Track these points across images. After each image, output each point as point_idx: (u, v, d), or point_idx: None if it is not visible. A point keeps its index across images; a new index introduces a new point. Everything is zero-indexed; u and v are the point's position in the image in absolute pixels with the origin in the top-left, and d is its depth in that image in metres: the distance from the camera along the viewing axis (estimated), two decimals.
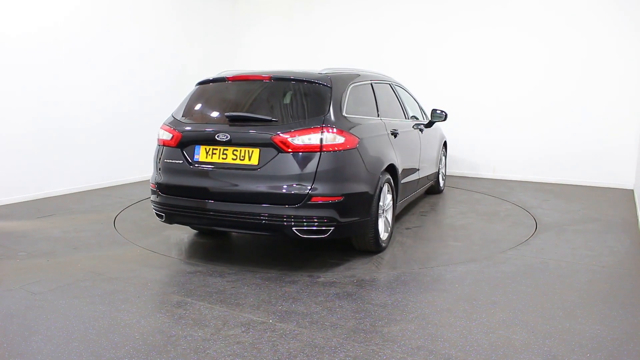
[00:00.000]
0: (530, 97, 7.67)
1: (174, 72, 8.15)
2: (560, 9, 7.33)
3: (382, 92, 4.93)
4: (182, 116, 4.13)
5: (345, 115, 3.85)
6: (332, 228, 3.58)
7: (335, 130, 3.63)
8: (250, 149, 3.68)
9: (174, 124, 4.08)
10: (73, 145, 6.68)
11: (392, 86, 5.29)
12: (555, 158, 7.61)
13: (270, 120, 3.71)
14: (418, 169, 5.36)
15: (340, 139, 3.63)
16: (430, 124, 5.99)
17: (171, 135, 3.99)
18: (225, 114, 3.90)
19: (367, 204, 3.84)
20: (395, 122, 4.77)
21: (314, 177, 3.53)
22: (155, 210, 4.10)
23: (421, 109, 6.11)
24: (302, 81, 3.92)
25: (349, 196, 3.64)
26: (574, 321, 2.93)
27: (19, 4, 5.92)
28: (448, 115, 6.08)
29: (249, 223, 3.67)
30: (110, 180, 7.23)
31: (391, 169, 4.32)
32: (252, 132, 3.70)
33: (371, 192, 3.86)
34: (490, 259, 4.08)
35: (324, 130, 3.59)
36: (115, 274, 3.70)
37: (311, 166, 3.55)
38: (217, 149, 3.78)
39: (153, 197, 4.08)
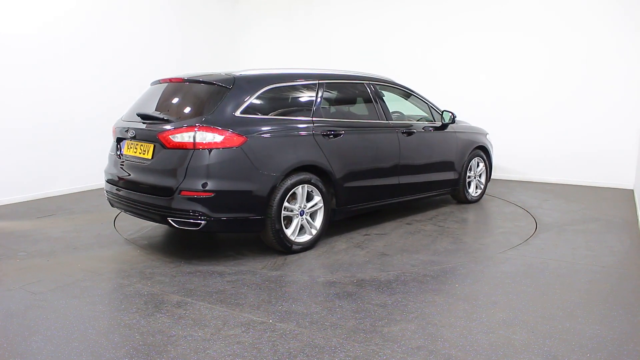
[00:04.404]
0: (530, 98, 7.66)
1: (173, 72, 8.13)
2: (560, 10, 7.32)
3: (343, 92, 4.92)
4: (126, 114, 4.57)
5: (241, 115, 3.93)
6: (204, 222, 3.77)
7: (215, 129, 3.77)
8: (148, 145, 4.04)
9: (118, 121, 4.58)
10: (73, 145, 6.68)
11: (369, 86, 5.04)
12: (555, 158, 7.60)
13: (162, 119, 4.07)
14: (397, 174, 5.07)
15: (219, 138, 3.76)
16: (443, 126, 5.68)
17: (112, 131, 4.58)
18: (135, 112, 4.33)
19: (256, 202, 3.90)
20: (339, 122, 4.56)
21: (185, 173, 3.75)
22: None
23: (433, 110, 5.72)
24: (205, 83, 4.16)
25: (223, 193, 3.79)
26: (574, 321, 2.93)
27: (18, 2, 5.92)
28: (455, 117, 5.78)
29: (143, 211, 4.07)
30: None
31: (316, 170, 4.25)
32: (148, 129, 4.08)
33: (261, 192, 3.90)
34: (490, 259, 4.08)
35: (199, 129, 3.76)
36: (115, 274, 3.71)
37: (183, 162, 3.77)
38: (132, 144, 4.21)
39: (105, 186, 4.59)
